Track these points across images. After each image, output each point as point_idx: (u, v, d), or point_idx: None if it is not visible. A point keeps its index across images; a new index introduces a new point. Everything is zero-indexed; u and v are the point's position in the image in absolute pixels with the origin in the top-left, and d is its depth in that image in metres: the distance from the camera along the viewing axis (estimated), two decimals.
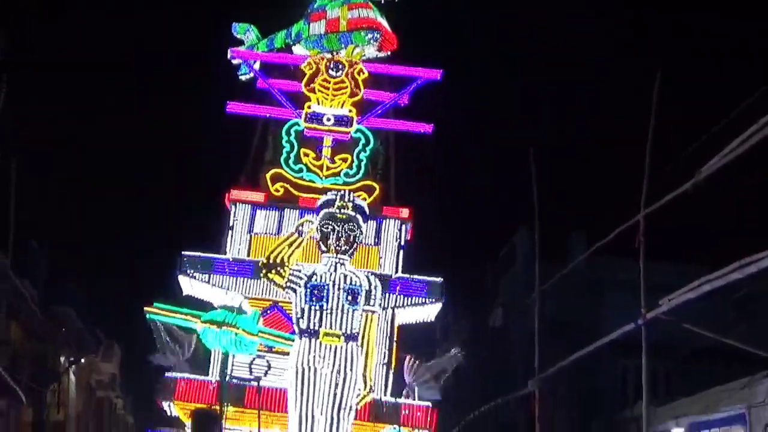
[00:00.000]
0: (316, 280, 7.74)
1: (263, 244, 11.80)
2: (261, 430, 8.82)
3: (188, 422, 10.29)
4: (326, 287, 7.68)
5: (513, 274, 20.46)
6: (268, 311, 11.19)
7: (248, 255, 12.04)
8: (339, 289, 7.70)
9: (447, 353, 10.82)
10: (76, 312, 20.06)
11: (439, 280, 11.16)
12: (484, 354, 18.59)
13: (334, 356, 7.38)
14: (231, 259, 11.64)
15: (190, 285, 11.65)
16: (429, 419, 9.66)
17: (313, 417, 7.06)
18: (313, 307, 7.64)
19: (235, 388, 9.94)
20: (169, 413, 11.32)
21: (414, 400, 9.80)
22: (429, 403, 9.85)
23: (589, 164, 36.85)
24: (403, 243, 11.76)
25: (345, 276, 7.76)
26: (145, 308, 10.07)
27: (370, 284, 7.89)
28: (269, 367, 9.97)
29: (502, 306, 20.21)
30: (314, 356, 7.47)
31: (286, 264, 7.93)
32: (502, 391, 15.13)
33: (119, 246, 44.13)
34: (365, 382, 8.07)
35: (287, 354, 9.33)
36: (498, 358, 18.89)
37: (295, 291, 7.83)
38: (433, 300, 11.05)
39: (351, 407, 7.21)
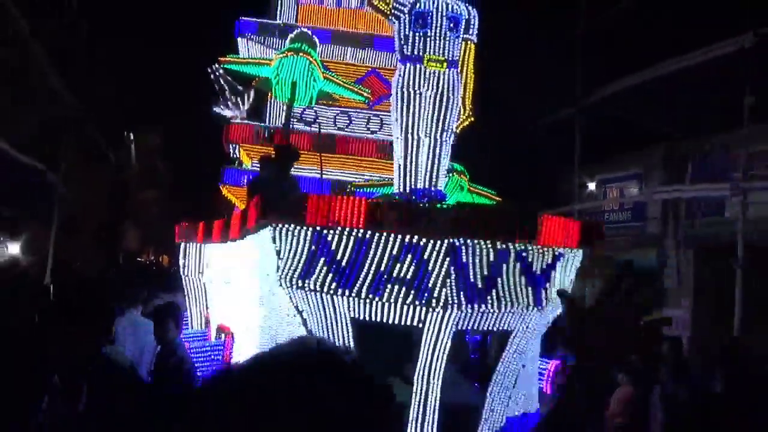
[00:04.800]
0: (419, 6, 7.00)
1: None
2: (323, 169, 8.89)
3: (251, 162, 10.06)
4: (430, 14, 6.96)
5: None
6: (365, 76, 10.55)
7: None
8: (442, 16, 7.01)
9: None
10: None
11: None
12: None
13: (437, 81, 6.80)
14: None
15: (246, 50, 10.83)
16: None
17: (418, 137, 6.57)
18: (416, 34, 6.93)
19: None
20: (232, 155, 10.83)
21: None
22: None
23: None
24: None
25: (447, 3, 7.07)
26: (220, 59, 10.32)
27: (469, 13, 7.26)
28: (317, 116, 9.65)
29: None
30: (419, 80, 6.83)
31: None
32: None
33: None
34: (464, 107, 7.63)
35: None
36: None
37: (398, 18, 7.04)
38: None
39: (452, 130, 6.77)
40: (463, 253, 6.09)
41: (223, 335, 7.99)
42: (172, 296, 9.87)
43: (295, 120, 10.04)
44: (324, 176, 9.62)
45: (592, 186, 18.43)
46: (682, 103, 15.61)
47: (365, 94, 10.15)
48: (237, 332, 7.71)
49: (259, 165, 9.31)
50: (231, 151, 11.41)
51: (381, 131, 11.04)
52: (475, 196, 9.38)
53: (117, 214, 31.12)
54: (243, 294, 7.38)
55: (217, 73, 11.22)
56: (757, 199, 13.97)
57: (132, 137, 33.52)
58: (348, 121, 11.00)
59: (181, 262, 10.19)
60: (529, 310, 6.36)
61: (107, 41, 23.93)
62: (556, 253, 6.42)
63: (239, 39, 11.50)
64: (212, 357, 7.73)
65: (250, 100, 11.30)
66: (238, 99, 11.26)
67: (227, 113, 11.32)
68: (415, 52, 6.91)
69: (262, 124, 11.15)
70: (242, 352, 7.49)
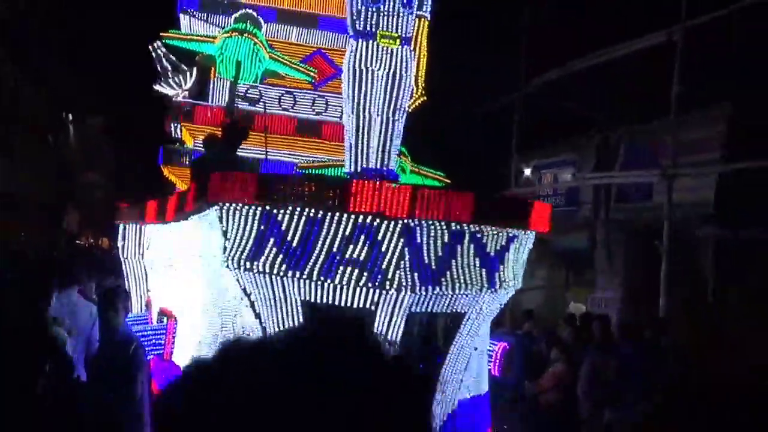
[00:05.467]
0: None
1: None
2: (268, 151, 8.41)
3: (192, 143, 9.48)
4: None
5: None
6: (310, 57, 9.91)
7: None
8: None
9: None
10: None
11: None
12: None
13: (390, 58, 6.30)
14: None
15: (189, 25, 10.04)
16: None
17: (370, 116, 6.08)
18: (369, 9, 6.40)
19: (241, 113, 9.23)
20: (174, 135, 10.11)
21: None
22: None
23: None
24: None
25: None
26: (162, 34, 9.65)
27: None
28: (261, 96, 9.05)
29: None
30: (371, 57, 6.32)
31: None
32: None
33: None
34: (417, 86, 7.14)
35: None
36: None
37: None
38: None
39: (404, 109, 6.30)
40: (418, 234, 5.64)
41: (165, 319, 7.37)
42: (114, 280, 9.24)
43: (239, 99, 9.42)
44: (269, 157, 9.04)
45: (527, 172, 18.29)
46: (614, 92, 15.56)
47: (311, 74, 9.61)
48: (180, 316, 7.11)
49: (203, 144, 8.72)
50: (172, 130, 10.70)
51: (326, 113, 10.50)
52: (423, 178, 8.95)
53: (58, 196, 29.77)
54: (187, 276, 6.79)
55: (159, 51, 10.48)
56: (682, 186, 14.04)
57: (71, 118, 32.02)
58: (293, 102, 10.42)
59: (120, 243, 9.50)
60: (482, 292, 5.96)
61: (45, 17, 22.63)
62: (510, 235, 6.03)
63: (181, 15, 10.73)
64: (154, 341, 7.12)
65: (193, 78, 10.59)
66: (180, 77, 10.53)
67: (169, 91, 10.59)
68: (368, 28, 6.40)
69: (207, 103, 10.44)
70: (185, 336, 6.90)
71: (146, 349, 7.08)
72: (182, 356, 6.79)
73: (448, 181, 9.34)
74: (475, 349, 6.44)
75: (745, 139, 13.75)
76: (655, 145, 15.43)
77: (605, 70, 15.35)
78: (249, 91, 9.88)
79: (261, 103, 9.50)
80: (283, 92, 10.42)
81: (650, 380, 8.08)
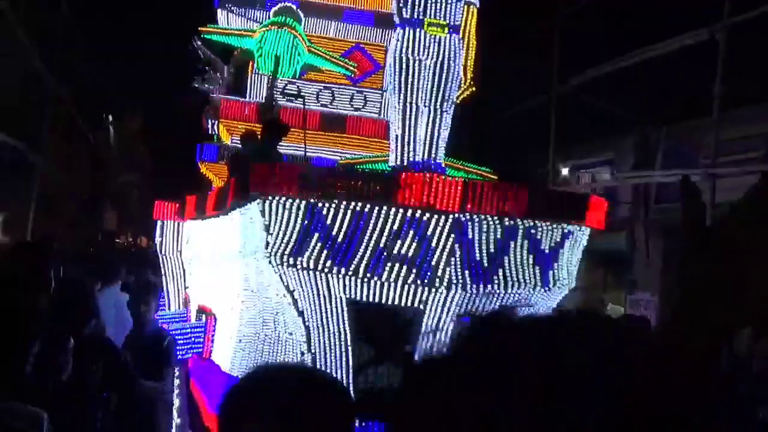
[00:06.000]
0: None
1: None
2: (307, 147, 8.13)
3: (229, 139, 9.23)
4: None
5: None
6: (349, 52, 9.62)
7: None
8: None
9: None
10: None
11: None
12: None
13: (438, 47, 5.93)
14: None
15: (226, 20, 9.85)
16: None
17: (417, 107, 5.71)
18: None
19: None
20: (210, 132, 9.90)
21: None
22: None
23: None
24: None
25: None
26: (200, 29, 9.37)
27: None
28: (299, 91, 8.78)
29: None
30: (418, 46, 5.95)
31: None
32: None
33: None
34: (465, 76, 6.76)
35: None
36: None
37: None
38: None
39: (453, 100, 5.92)
40: (469, 230, 5.26)
41: (204, 316, 7.07)
42: (152, 276, 9.02)
43: (278, 94, 9.11)
44: (308, 154, 8.73)
45: (565, 171, 17.81)
46: (653, 91, 15.07)
47: (351, 68, 9.26)
48: (219, 313, 6.79)
49: (240, 140, 8.44)
50: (210, 127, 10.42)
51: (365, 108, 10.15)
52: (466, 173, 8.55)
53: (96, 195, 29.84)
54: (227, 273, 6.47)
55: (196, 45, 10.21)
56: (723, 186, 13.55)
57: (111, 119, 32.10)
58: (331, 97, 10.08)
59: (158, 240, 9.24)
60: (535, 291, 5.56)
61: (85, 20, 22.61)
62: (565, 231, 5.62)
63: (219, 10, 10.43)
64: (193, 339, 6.81)
65: (230, 73, 10.30)
66: (218, 73, 10.25)
67: (206, 87, 10.32)
68: (415, 16, 6.03)
69: (245, 99, 10.14)
70: (224, 335, 6.58)
71: (185, 347, 6.79)
72: (221, 355, 6.47)
73: (495, 177, 8.94)
74: None
75: None
76: (696, 145, 14.92)
77: (645, 68, 14.90)
78: (287, 87, 9.57)
79: (300, 99, 9.18)
80: (322, 88, 10.10)
81: None
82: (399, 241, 5.21)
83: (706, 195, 13.21)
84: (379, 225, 5.21)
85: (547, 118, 16.19)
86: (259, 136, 8.06)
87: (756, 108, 14.12)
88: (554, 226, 5.51)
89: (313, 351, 5.54)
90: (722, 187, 13.16)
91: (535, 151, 17.04)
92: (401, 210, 5.18)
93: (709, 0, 13.70)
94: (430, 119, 5.97)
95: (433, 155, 6.00)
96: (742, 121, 14.14)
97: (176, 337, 6.69)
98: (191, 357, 6.88)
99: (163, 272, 9.07)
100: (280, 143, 7.76)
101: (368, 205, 5.19)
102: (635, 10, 15.19)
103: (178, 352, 6.56)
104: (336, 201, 5.19)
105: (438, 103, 5.99)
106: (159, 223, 9.24)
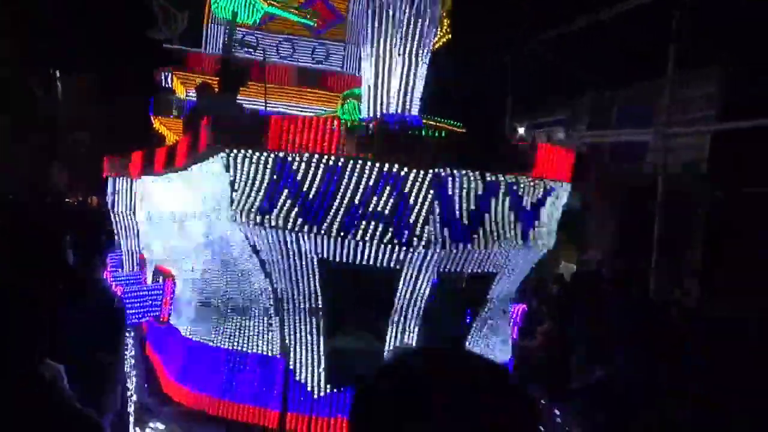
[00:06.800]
0: None
1: None
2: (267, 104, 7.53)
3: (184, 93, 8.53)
4: None
5: None
6: (310, 2, 8.89)
7: None
8: None
9: None
10: None
11: None
12: None
13: None
14: None
15: None
16: None
17: (391, 56, 5.18)
18: None
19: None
20: (164, 85, 9.12)
21: None
22: None
23: None
24: None
25: None
26: None
27: None
28: (258, 42, 8.12)
29: None
30: None
31: None
32: None
33: None
34: (441, 23, 6.21)
35: None
36: None
37: None
38: None
39: (429, 49, 5.41)
40: (449, 186, 4.80)
41: (161, 278, 6.49)
42: (102, 235, 8.37)
43: (236, 45, 8.43)
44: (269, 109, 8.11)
45: (521, 131, 17.47)
46: (608, 51, 14.76)
47: (312, 18, 8.62)
48: (179, 275, 6.23)
49: (196, 93, 7.77)
50: (162, 79, 9.66)
51: (327, 62, 9.53)
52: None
53: (45, 155, 28.46)
54: (186, 232, 5.90)
55: None
56: (676, 145, 13.45)
57: (58, 75, 30.47)
58: (292, 50, 9.42)
59: (109, 198, 8.56)
60: (516, 249, 5.15)
61: None
62: (548, 187, 5.20)
63: None
64: (150, 302, 6.24)
65: (184, 22, 9.51)
66: (171, 22, 9.47)
67: (163, 36, 9.53)
68: None
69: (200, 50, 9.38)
70: (184, 298, 6.03)
71: (141, 310, 6.21)
72: (181, 319, 5.93)
73: (464, 131, 8.47)
74: (504, 312, 5.66)
75: (738, 99, 13.13)
76: (650, 105, 14.70)
77: (602, 29, 14.60)
78: (246, 37, 8.89)
79: (260, 51, 8.52)
80: (281, 39, 9.43)
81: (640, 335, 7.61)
82: (375, 198, 4.73)
83: (661, 154, 13.12)
84: (354, 181, 4.71)
85: (506, 75, 15.78)
86: (216, 89, 7.43)
87: (707, 69, 13.94)
88: (536, 181, 5.08)
89: (281, 315, 5.06)
90: (675, 147, 13.07)
91: (493, 109, 16.69)
92: (377, 165, 4.68)
93: None
94: (405, 69, 5.44)
95: (407, 107, 5.48)
96: (695, 82, 13.95)
97: (131, 300, 6.11)
98: (147, 321, 6.33)
99: (115, 232, 8.41)
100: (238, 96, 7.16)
101: (342, 159, 4.68)
102: None
103: (131, 316, 5.96)
104: (308, 154, 4.66)
105: (414, 52, 5.46)
106: (110, 180, 8.55)
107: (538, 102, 16.96)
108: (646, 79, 14.77)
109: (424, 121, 7.70)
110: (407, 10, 5.40)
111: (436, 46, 6.14)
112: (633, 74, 15.07)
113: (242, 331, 5.20)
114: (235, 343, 5.19)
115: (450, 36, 6.73)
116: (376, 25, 5.40)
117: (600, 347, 7.43)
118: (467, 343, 5.31)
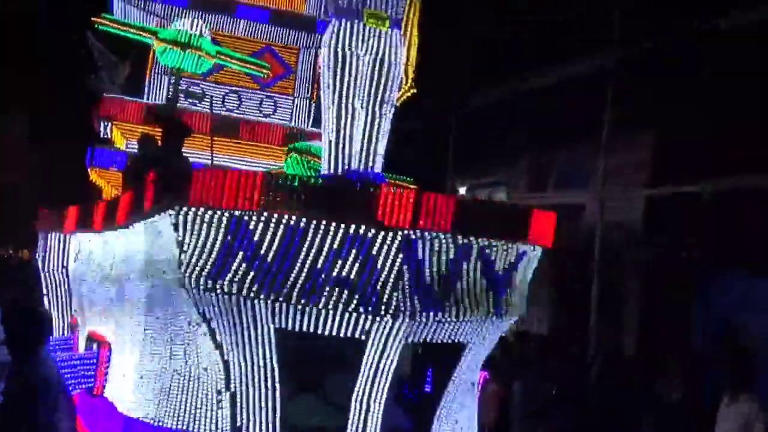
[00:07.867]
0: None
1: None
2: (214, 155, 6.85)
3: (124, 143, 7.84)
4: None
5: None
6: (258, 53, 8.43)
7: None
8: None
9: None
10: None
11: None
12: None
13: (378, 42, 4.99)
14: None
15: (123, 11, 8.30)
16: None
17: (353, 108, 4.75)
18: None
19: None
20: (103, 135, 8.32)
21: None
22: None
23: None
24: None
25: None
26: (93, 19, 7.73)
27: None
28: (203, 93, 7.58)
29: None
30: (356, 40, 4.98)
31: None
32: None
33: None
34: (406, 76, 5.79)
35: None
36: None
37: None
38: None
39: (393, 102, 5.00)
40: (419, 248, 4.32)
41: (95, 345, 5.73)
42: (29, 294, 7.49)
43: (181, 95, 7.87)
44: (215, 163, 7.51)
45: (462, 191, 17.26)
46: (549, 115, 14.86)
47: (264, 71, 8.15)
48: (115, 342, 5.49)
49: (139, 144, 7.15)
50: (102, 130, 8.95)
51: (275, 115, 9.02)
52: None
53: None
54: (127, 295, 5.20)
55: (91, 39, 8.71)
56: (612, 210, 13.66)
57: None
58: (238, 102, 8.89)
59: (40, 254, 7.74)
60: (488, 318, 4.67)
61: None
62: (520, 251, 4.78)
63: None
64: (81, 371, 5.47)
65: (126, 71, 8.86)
66: (112, 70, 8.81)
67: (102, 85, 8.84)
68: (353, 6, 5.04)
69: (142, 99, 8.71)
70: (121, 368, 5.29)
71: (71, 381, 5.41)
72: (117, 392, 5.18)
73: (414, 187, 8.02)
74: (472, 384, 5.15)
75: (670, 164, 13.34)
76: (587, 169, 14.79)
77: (541, 93, 14.80)
78: (191, 88, 8.34)
79: (207, 100, 7.98)
80: (227, 91, 8.90)
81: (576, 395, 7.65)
82: (340, 262, 4.20)
83: (596, 215, 13.20)
84: (317, 242, 4.18)
85: (446, 136, 15.69)
86: (159, 141, 6.83)
87: (641, 134, 14.13)
88: (509, 245, 4.66)
89: (232, 389, 4.42)
90: (611, 211, 13.16)
91: (433, 168, 16.46)
92: (343, 226, 4.17)
93: (602, 31, 13.67)
94: (368, 123, 4.99)
95: (370, 164, 5.01)
96: (630, 147, 14.11)
97: (60, 369, 5.31)
98: (78, 393, 5.53)
99: (45, 291, 7.57)
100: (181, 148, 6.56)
101: (304, 220, 4.15)
102: (539, 35, 14.99)
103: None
104: (266, 213, 4.12)
105: (377, 105, 5.03)
106: (42, 234, 7.76)
107: (479, 163, 16.87)
108: (581, 142, 14.89)
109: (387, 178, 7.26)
110: (370, 60, 4.99)
111: (399, 101, 5.75)
112: (570, 138, 15.17)
113: (188, 408, 4.52)
114: (180, 421, 4.51)
115: (414, 90, 6.35)
116: (338, 74, 4.97)
117: (541, 406, 7.33)
118: (435, 421, 4.76)
